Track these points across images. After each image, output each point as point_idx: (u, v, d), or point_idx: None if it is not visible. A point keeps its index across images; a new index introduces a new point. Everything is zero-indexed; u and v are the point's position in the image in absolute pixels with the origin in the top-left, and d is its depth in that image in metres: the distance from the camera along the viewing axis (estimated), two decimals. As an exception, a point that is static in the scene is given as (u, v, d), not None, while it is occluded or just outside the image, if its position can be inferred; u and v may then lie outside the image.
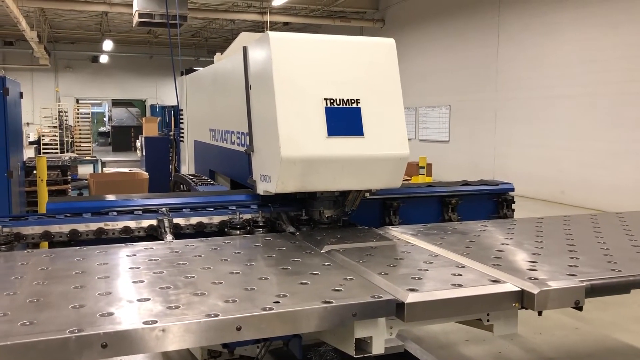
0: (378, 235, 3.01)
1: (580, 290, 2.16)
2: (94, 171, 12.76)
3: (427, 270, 2.34)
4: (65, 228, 2.96)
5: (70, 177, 10.71)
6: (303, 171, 2.86)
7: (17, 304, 1.88)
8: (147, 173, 10.65)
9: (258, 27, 22.04)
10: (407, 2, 18.23)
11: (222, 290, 2.02)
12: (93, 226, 3.01)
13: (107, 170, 13.43)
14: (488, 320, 2.23)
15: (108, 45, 25.93)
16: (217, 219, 3.21)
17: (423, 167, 9.95)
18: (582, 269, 2.37)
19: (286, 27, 21.93)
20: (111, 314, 1.77)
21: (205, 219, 3.19)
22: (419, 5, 17.66)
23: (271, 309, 1.84)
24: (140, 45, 29.03)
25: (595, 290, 2.22)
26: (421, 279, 2.21)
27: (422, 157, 10.24)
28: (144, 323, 1.70)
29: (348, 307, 1.92)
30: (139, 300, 1.92)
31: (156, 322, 1.71)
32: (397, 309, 1.99)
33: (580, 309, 2.19)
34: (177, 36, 8.58)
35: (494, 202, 4.12)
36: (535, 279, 2.19)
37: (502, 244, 2.85)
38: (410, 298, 1.99)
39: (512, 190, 4.21)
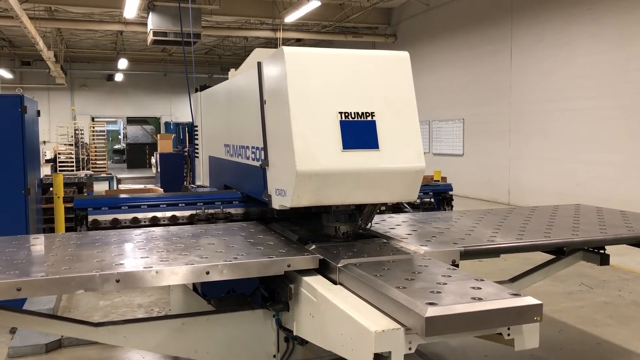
0: (395, 249, 2.99)
1: (456, 253, 3.00)
2: (110, 188, 12.85)
3: (446, 284, 2.31)
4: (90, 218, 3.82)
5: (86, 194, 10.78)
6: (318, 185, 2.85)
7: (59, 259, 2.71)
8: (162, 189, 10.69)
9: (271, 44, 22.23)
10: (419, 17, 18.29)
11: (200, 252, 2.83)
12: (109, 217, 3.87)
13: (122, 186, 13.52)
14: (509, 335, 2.19)
15: (123, 63, 26.28)
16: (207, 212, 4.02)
17: (437, 181, 9.88)
18: (468, 241, 3.21)
19: (299, 43, 22.08)
20: (122, 264, 2.59)
21: (197, 212, 4.01)
22: (431, 20, 17.71)
23: (230, 261, 2.64)
24: (154, 63, 29.39)
25: (468, 253, 3.05)
26: (440, 292, 2.18)
27: (436, 170, 10.18)
28: (144, 268, 2.52)
29: (284, 261, 2.72)
30: (141, 257, 2.74)
31: (152, 267, 2.53)
32: (324, 266, 2.74)
33: (457, 266, 2.88)
34: (191, 54, 8.66)
35: (436, 199, 4.94)
36: (426, 246, 3.04)
37: (470, 228, 3.66)
38: (430, 312, 1.96)
39: (451, 190, 4.99)
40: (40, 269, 2.51)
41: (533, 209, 4.56)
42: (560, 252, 3.92)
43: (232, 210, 4.08)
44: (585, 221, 3.97)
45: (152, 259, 2.68)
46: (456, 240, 3.24)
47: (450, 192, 5.01)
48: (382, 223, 3.78)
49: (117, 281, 2.42)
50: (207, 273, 2.56)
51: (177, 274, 2.53)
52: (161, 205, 4.01)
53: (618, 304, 6.11)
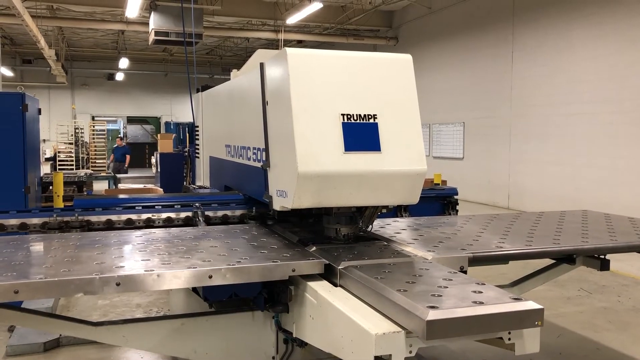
0: (395, 252, 2.98)
1: (464, 259, 2.95)
2: (109, 187, 12.84)
3: (447, 287, 2.30)
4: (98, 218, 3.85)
5: (86, 193, 10.77)
6: (320, 187, 2.84)
7: (58, 261, 2.65)
8: (161, 189, 10.67)
9: (272, 45, 22.21)
10: (420, 20, 18.30)
11: (202, 255, 2.77)
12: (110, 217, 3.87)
13: (122, 186, 13.50)
14: (509, 339, 2.18)
15: (124, 63, 26.28)
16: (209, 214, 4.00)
17: (438, 184, 9.87)
18: (476, 247, 3.14)
19: (300, 45, 22.09)
20: (122, 267, 2.54)
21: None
22: (432, 23, 17.72)
23: (234, 265, 2.59)
24: (155, 63, 29.39)
25: (477, 260, 2.99)
26: (441, 296, 2.17)
27: (436, 173, 10.16)
28: (145, 271, 2.47)
29: (289, 265, 2.67)
30: (142, 260, 2.69)
31: (153, 270, 2.48)
32: (325, 269, 2.69)
33: (465, 272, 2.84)
34: (192, 54, 8.65)
35: (440, 204, 4.94)
36: (433, 251, 2.99)
37: (477, 234, 3.58)
38: (431, 315, 1.95)
39: (456, 193, 4.97)
40: (38, 271, 2.44)
41: (540, 214, 4.50)
42: (569, 259, 3.81)
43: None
44: (594, 228, 3.90)
45: (153, 262, 2.63)
46: (464, 246, 3.18)
47: (456, 197, 4.96)
48: (387, 227, 3.75)
49: (118, 284, 2.38)
50: (210, 277, 2.51)
51: (179, 277, 2.47)
52: (156, 207, 3.99)
53: (617, 309, 6.11)
